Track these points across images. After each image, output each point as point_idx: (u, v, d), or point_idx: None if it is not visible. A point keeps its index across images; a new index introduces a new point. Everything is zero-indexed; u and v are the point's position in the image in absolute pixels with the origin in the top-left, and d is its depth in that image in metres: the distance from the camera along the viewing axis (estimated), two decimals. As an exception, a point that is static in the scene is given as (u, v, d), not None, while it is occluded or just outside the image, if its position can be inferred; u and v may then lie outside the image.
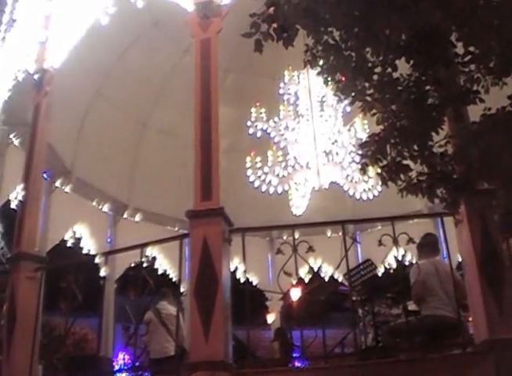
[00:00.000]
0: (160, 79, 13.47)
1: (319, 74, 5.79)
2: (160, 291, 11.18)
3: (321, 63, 5.55)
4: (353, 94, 5.63)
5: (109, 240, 13.65)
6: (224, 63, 12.57)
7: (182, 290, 10.89)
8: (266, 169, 10.82)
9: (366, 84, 5.54)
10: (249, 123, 11.34)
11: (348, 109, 10.80)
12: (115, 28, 9.57)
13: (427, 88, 5.40)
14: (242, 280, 11.19)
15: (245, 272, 8.27)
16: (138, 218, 14.05)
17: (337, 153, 11.03)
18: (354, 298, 9.00)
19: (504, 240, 6.76)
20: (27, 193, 9.02)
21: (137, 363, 8.67)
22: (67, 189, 12.42)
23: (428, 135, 5.44)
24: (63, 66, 9.67)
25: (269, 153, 11.00)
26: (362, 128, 10.96)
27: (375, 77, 5.51)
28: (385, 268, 13.02)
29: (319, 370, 7.24)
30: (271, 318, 14.68)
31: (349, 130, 11.19)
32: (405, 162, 5.60)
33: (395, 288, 8.92)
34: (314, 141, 11.20)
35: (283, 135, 11.32)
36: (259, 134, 11.36)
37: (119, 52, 12.42)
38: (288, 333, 11.66)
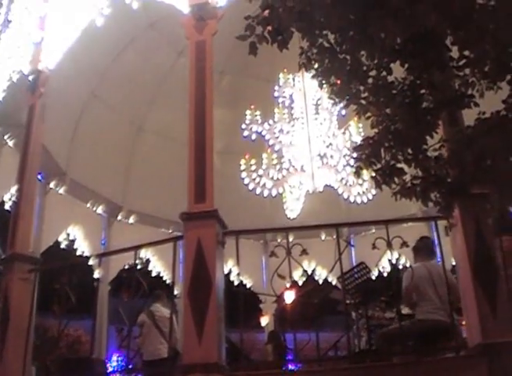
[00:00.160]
0: (155, 81, 13.46)
1: (313, 77, 5.80)
2: (154, 293, 11.18)
3: (316, 66, 5.56)
4: (348, 97, 5.64)
5: (103, 241, 13.64)
6: (219, 66, 12.59)
7: (175, 292, 10.89)
8: (261, 172, 10.81)
9: (361, 88, 5.55)
10: (244, 125, 11.33)
11: (343, 112, 10.80)
12: (110, 29, 9.56)
13: (422, 91, 5.41)
14: (236, 283, 11.19)
15: (239, 274, 8.24)
16: (132, 220, 14.04)
17: (331, 157, 11.03)
18: (348, 302, 8.99)
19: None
20: (21, 195, 9.00)
21: (130, 366, 8.65)
22: (62, 190, 12.41)
23: (423, 138, 5.45)
24: (58, 68, 9.65)
25: (264, 155, 10.99)
26: (357, 131, 10.97)
27: (370, 80, 5.52)
28: (379, 271, 13.02)
29: (312, 373, 7.25)
30: (265, 321, 14.68)
31: (344, 133, 11.20)
32: (399, 166, 5.60)
33: (389, 292, 8.93)
34: (309, 144, 11.19)
35: (277, 137, 11.31)
36: (254, 136, 11.35)
37: (114, 53, 12.42)
38: (282, 336, 11.65)
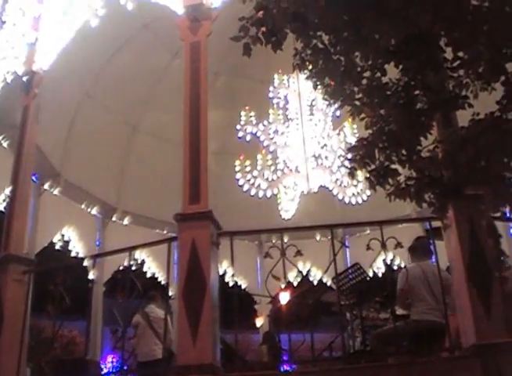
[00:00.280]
0: (149, 82, 13.45)
1: (308, 78, 5.81)
2: (149, 294, 11.17)
3: (310, 67, 5.56)
4: (342, 98, 5.65)
5: (97, 242, 13.61)
6: (214, 66, 12.58)
7: (170, 293, 10.88)
8: (255, 173, 10.82)
9: (355, 89, 5.56)
10: (238, 126, 11.33)
11: (338, 113, 10.80)
12: (105, 30, 9.54)
13: (416, 92, 5.42)
14: (230, 284, 11.18)
15: (233, 275, 8.24)
16: (126, 221, 14.04)
17: (326, 158, 11.04)
18: (342, 302, 8.99)
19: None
20: (16, 196, 8.98)
21: (125, 367, 8.64)
22: (56, 191, 12.39)
23: (417, 139, 5.46)
24: (52, 68, 9.63)
25: (259, 156, 11.00)
26: (352, 132, 10.99)
27: (364, 81, 5.53)
28: (374, 272, 13.03)
29: (306, 374, 7.25)
30: (259, 322, 14.67)
31: (338, 134, 11.21)
32: (393, 166, 5.61)
33: (384, 292, 8.93)
34: (303, 145, 11.21)
35: (272, 138, 11.32)
36: (248, 137, 11.35)
37: (109, 54, 12.39)
38: (276, 336, 11.64)
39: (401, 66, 5.33)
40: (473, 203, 6.30)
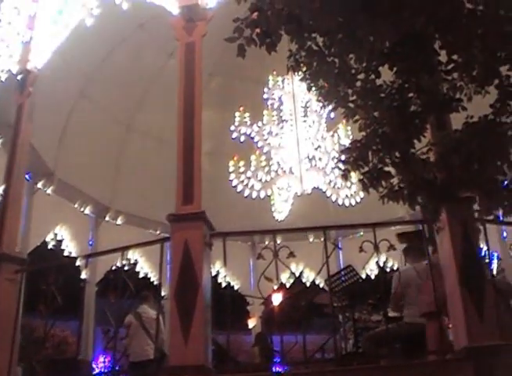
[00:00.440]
0: (144, 82, 13.44)
1: (302, 79, 5.81)
2: (141, 295, 11.16)
3: (304, 69, 5.56)
4: (335, 100, 5.65)
5: (90, 242, 13.59)
6: (209, 67, 12.59)
7: (162, 293, 10.87)
8: (249, 174, 10.82)
9: (349, 91, 5.56)
10: (232, 127, 11.34)
11: (332, 115, 10.80)
12: (100, 30, 9.52)
13: (410, 95, 5.43)
14: (223, 285, 11.18)
15: (226, 276, 8.23)
16: (120, 220, 14.03)
17: (320, 159, 11.05)
18: (335, 304, 8.99)
19: None
20: (9, 194, 8.95)
21: (117, 367, 8.63)
22: (49, 190, 12.35)
23: (410, 142, 5.46)
24: (47, 67, 9.61)
25: (252, 157, 11.01)
26: (346, 134, 11.00)
27: (358, 83, 5.53)
28: (366, 274, 13.05)
29: (299, 376, 7.24)
30: (252, 323, 14.67)
31: (332, 136, 11.22)
32: (386, 169, 5.61)
33: (376, 295, 8.94)
34: (297, 146, 11.22)
35: (266, 139, 11.33)
36: (243, 138, 11.35)
37: (104, 53, 12.37)
38: (268, 338, 11.65)
39: (395, 69, 5.33)
40: (466, 205, 6.30)
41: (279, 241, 7.57)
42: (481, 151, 5.10)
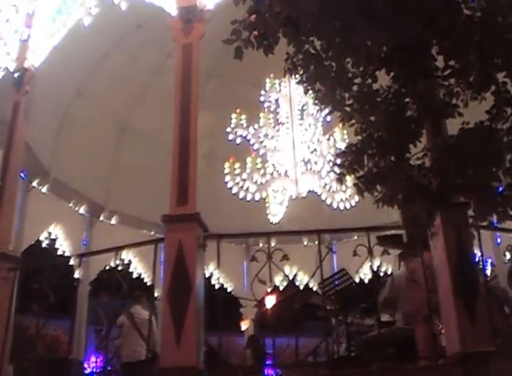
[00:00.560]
0: (141, 82, 13.45)
1: (299, 82, 5.81)
2: (134, 295, 11.13)
3: (301, 72, 5.57)
4: (332, 104, 5.65)
5: (84, 242, 13.57)
6: (206, 69, 12.59)
7: (156, 294, 10.86)
8: (244, 176, 10.83)
9: (346, 95, 5.56)
10: (229, 129, 11.34)
11: (328, 118, 10.81)
12: (98, 29, 9.54)
13: (407, 100, 5.43)
14: (217, 287, 11.17)
15: (219, 278, 8.23)
16: (114, 220, 14.01)
17: (315, 162, 11.06)
18: (328, 308, 9.00)
19: None
20: (3, 192, 8.94)
21: (108, 367, 8.62)
22: (44, 189, 12.33)
23: (406, 147, 5.46)
24: (44, 65, 9.62)
25: (248, 160, 11.01)
26: (342, 137, 11.00)
27: (355, 87, 5.53)
28: (360, 278, 13.05)
29: (290, 379, 7.24)
30: (245, 325, 14.65)
31: (328, 139, 11.23)
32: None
33: (370, 299, 8.94)
34: (293, 149, 11.22)
35: (262, 142, 11.34)
36: (239, 140, 11.36)
37: (101, 53, 12.37)
38: (261, 340, 11.64)
39: (392, 74, 5.33)
40: (460, 211, 6.30)
41: (273, 244, 7.56)
42: (477, 157, 5.11)
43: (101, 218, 13.95)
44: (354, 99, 5.54)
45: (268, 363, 10.84)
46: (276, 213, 11.44)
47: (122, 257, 7.91)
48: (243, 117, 11.46)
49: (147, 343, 9.03)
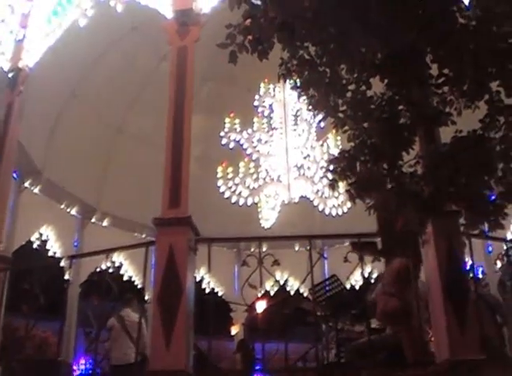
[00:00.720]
0: (136, 84, 13.44)
1: (292, 88, 5.82)
2: (124, 298, 11.10)
3: (295, 77, 5.57)
4: (325, 110, 5.65)
5: (75, 243, 13.54)
6: (201, 72, 12.57)
7: (146, 297, 10.84)
8: (237, 180, 10.83)
9: (339, 101, 5.56)
10: (222, 133, 11.35)
11: (322, 124, 10.81)
12: (93, 31, 9.54)
13: (400, 107, 5.43)
14: (207, 291, 11.16)
15: (210, 282, 8.22)
16: (106, 222, 14.00)
17: (308, 168, 11.07)
18: (318, 313, 8.99)
19: None
20: (-5, 192, 8.94)
21: (97, 370, 8.60)
22: (36, 190, 12.30)
23: (398, 154, 5.46)
24: (39, 66, 9.62)
25: (241, 164, 11.02)
26: (335, 143, 11.02)
27: (348, 94, 5.53)
28: (351, 285, 13.04)
29: (279, 384, 7.23)
30: (235, 330, 14.63)
31: (322, 145, 11.24)
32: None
33: (360, 305, 8.93)
34: (286, 154, 11.23)
35: (255, 147, 11.35)
36: (232, 145, 11.37)
37: (96, 54, 12.37)
38: (251, 345, 11.62)
39: (386, 81, 5.33)
40: (452, 219, 6.31)
41: (264, 249, 7.57)
42: (469, 165, 5.11)
43: (93, 219, 13.93)
44: (347, 105, 5.54)
45: (257, 367, 10.81)
46: (268, 218, 11.45)
47: (113, 259, 7.92)
48: (237, 121, 11.48)
49: (137, 346, 9.01)
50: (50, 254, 12.57)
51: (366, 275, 7.94)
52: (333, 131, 10.17)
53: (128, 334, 10.66)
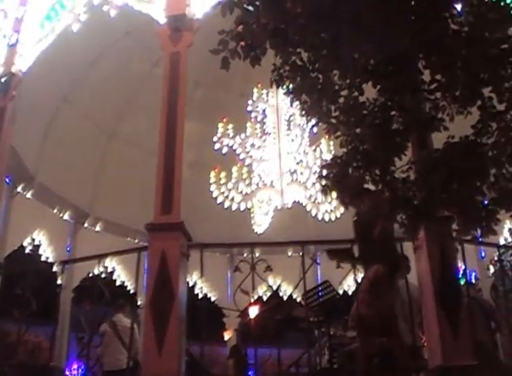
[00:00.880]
0: (129, 89, 13.43)
1: (285, 94, 5.82)
2: (117, 303, 11.08)
3: (288, 83, 5.57)
4: (318, 116, 5.65)
5: (68, 248, 13.51)
6: (194, 77, 12.60)
7: (139, 302, 10.82)
8: (230, 185, 10.83)
9: (332, 107, 5.56)
10: (215, 138, 11.35)
11: (315, 130, 10.82)
12: (86, 36, 9.54)
13: (393, 113, 5.43)
14: (200, 296, 11.14)
15: (202, 288, 8.21)
16: (98, 227, 13.98)
17: (301, 173, 11.08)
18: (311, 319, 8.99)
19: None
20: (-13, 197, 8.92)
21: (90, 375, 8.58)
22: (29, 194, 12.29)
23: (391, 160, 5.47)
24: (32, 71, 9.60)
25: (234, 169, 11.02)
26: (328, 149, 11.02)
27: (341, 99, 5.54)
28: (344, 290, 13.04)
29: (272, 389, 7.22)
30: (227, 335, 14.61)
31: (315, 150, 11.25)
32: (366, 186, 5.62)
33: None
34: (279, 160, 11.24)
35: (248, 152, 11.35)
36: (225, 150, 11.37)
37: (89, 59, 12.37)
38: (243, 350, 11.61)
39: (378, 87, 5.33)
40: (444, 225, 6.31)
41: (257, 254, 7.56)
42: (461, 171, 5.12)
43: (85, 224, 13.91)
44: (340, 111, 5.55)
45: (250, 373, 10.81)
46: (261, 223, 11.45)
47: (106, 264, 7.89)
48: (230, 126, 11.48)
49: (129, 351, 8.99)
50: (42, 259, 12.55)
51: (359, 280, 7.90)
52: (326, 136, 10.19)
53: (121, 340, 10.63)
